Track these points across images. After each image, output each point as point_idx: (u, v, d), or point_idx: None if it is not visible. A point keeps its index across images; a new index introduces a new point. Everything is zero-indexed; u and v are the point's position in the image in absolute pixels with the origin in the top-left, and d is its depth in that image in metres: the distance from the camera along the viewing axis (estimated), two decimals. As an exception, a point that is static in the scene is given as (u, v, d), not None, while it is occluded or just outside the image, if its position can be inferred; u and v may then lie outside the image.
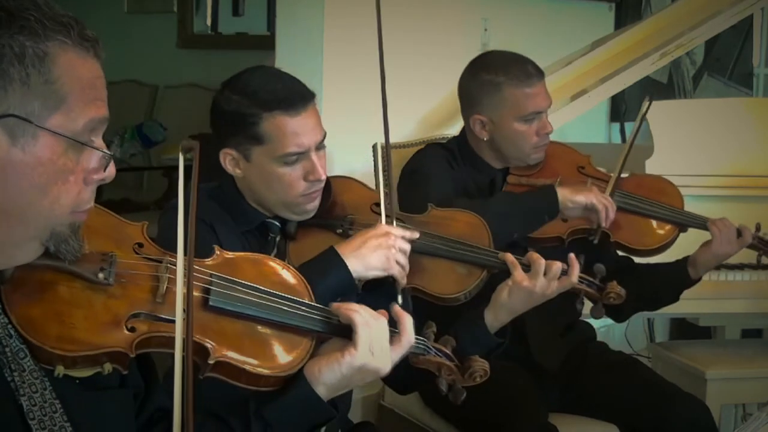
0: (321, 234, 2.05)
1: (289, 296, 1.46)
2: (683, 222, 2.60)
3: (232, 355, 1.36)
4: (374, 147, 2.96)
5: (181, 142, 1.22)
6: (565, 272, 2.08)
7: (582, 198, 2.41)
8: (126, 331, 1.27)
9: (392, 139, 2.99)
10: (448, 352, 1.66)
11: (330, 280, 1.89)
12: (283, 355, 1.42)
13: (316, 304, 1.49)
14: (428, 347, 1.65)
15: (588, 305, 2.25)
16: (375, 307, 1.53)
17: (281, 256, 2.01)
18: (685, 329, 4.07)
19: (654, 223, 2.60)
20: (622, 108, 4.58)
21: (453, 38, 3.58)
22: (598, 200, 2.41)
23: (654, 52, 3.55)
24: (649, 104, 2.71)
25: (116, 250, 1.33)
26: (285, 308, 1.44)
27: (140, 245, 1.37)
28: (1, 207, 1.15)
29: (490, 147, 2.56)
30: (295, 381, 1.42)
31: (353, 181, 2.20)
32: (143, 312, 1.30)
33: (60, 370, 1.21)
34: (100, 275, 1.27)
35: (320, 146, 1.96)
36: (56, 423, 1.20)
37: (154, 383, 1.41)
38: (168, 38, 6.12)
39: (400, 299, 1.97)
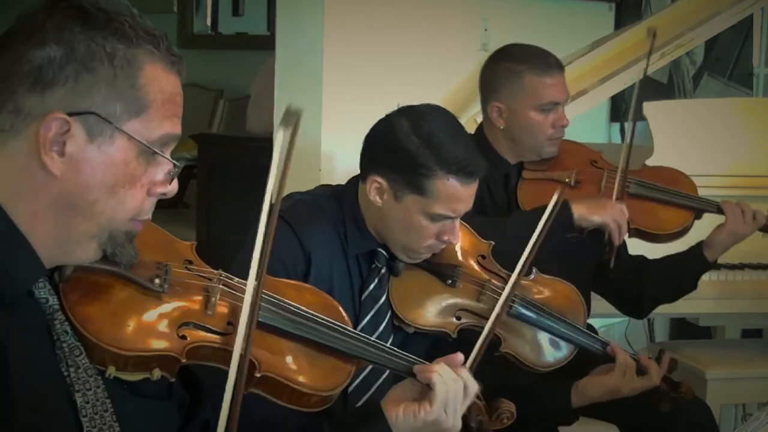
0: (429, 279, 2.05)
1: (332, 321, 1.51)
2: (699, 207, 2.65)
3: (277, 371, 1.41)
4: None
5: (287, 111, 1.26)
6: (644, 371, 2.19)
7: (597, 218, 2.44)
8: (177, 338, 1.31)
9: (392, 139, 3.00)
10: (477, 392, 1.67)
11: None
12: (326, 376, 1.47)
13: (355, 331, 1.55)
14: None
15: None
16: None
17: (381, 288, 2.01)
18: (685, 329, 4.06)
19: (670, 209, 2.64)
20: (622, 108, 4.58)
21: (453, 38, 3.58)
22: (612, 218, 2.44)
23: (654, 52, 3.54)
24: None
25: (169, 263, 1.37)
26: (328, 331, 1.49)
27: (190, 262, 1.41)
28: (70, 200, 1.19)
29: (506, 137, 2.58)
30: (376, 420, 1.50)
31: (466, 228, 2.15)
32: (194, 322, 1.34)
33: (111, 370, 1.24)
34: (156, 281, 1.31)
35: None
36: (105, 422, 1.23)
37: (200, 396, 1.44)
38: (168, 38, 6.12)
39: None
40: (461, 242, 2.10)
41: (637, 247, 2.71)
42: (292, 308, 1.46)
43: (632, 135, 2.61)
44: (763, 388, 2.96)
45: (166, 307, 1.32)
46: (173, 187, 1.27)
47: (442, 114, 1.99)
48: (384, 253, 2.02)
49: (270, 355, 1.41)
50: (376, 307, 2.00)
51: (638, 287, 2.68)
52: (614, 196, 2.52)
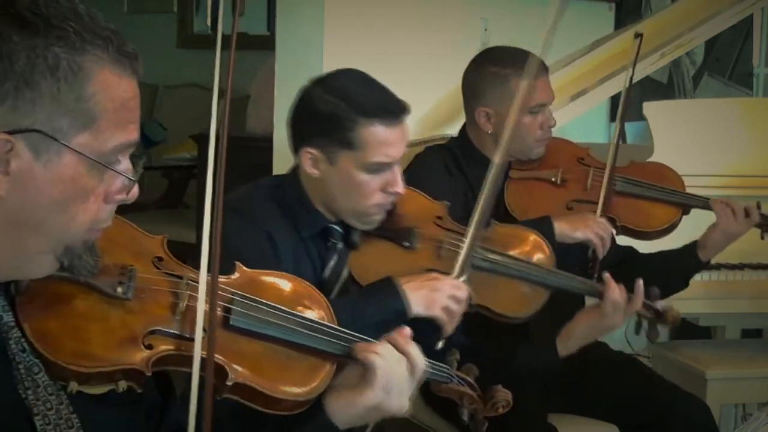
0: (386, 246, 2.05)
1: (312, 318, 1.43)
2: (686, 203, 2.64)
3: (251, 377, 1.32)
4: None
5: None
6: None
7: (579, 234, 2.42)
8: (143, 348, 1.24)
9: (392, 139, 3.00)
10: (470, 380, 1.64)
11: (382, 307, 1.91)
12: (303, 379, 1.38)
13: (338, 328, 1.45)
14: (451, 375, 1.63)
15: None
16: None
17: (342, 263, 2.01)
18: (685, 329, 4.05)
19: (658, 205, 2.64)
20: (622, 108, 4.57)
21: (453, 38, 3.58)
22: (595, 234, 2.43)
23: (654, 52, 3.55)
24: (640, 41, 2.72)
25: (135, 264, 1.29)
26: (307, 330, 1.40)
27: (160, 259, 1.34)
28: (17, 218, 1.13)
29: (494, 140, 2.58)
30: (316, 412, 1.40)
31: (414, 191, 2.18)
32: (161, 329, 1.27)
33: (73, 386, 1.18)
34: (119, 289, 1.24)
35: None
36: None
37: (171, 399, 1.39)
38: (168, 38, 6.11)
39: (440, 345, 1.97)
40: (414, 207, 2.12)
41: (627, 242, 2.70)
42: (266, 309, 1.38)
43: (618, 136, 2.62)
44: (763, 388, 2.96)
45: (131, 315, 1.25)
46: (133, 195, 1.19)
47: (351, 71, 2.01)
48: (338, 229, 2.02)
49: (243, 360, 1.33)
50: (339, 284, 2.01)
51: (627, 282, 2.67)
52: (600, 199, 2.52)
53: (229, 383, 1.30)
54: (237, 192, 2.02)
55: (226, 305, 1.34)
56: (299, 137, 1.99)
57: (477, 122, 2.58)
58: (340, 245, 2.02)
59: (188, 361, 1.25)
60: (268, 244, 1.92)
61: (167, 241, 1.38)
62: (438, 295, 1.96)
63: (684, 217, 2.68)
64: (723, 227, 2.57)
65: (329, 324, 1.45)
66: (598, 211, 2.51)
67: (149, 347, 1.24)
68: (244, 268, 1.46)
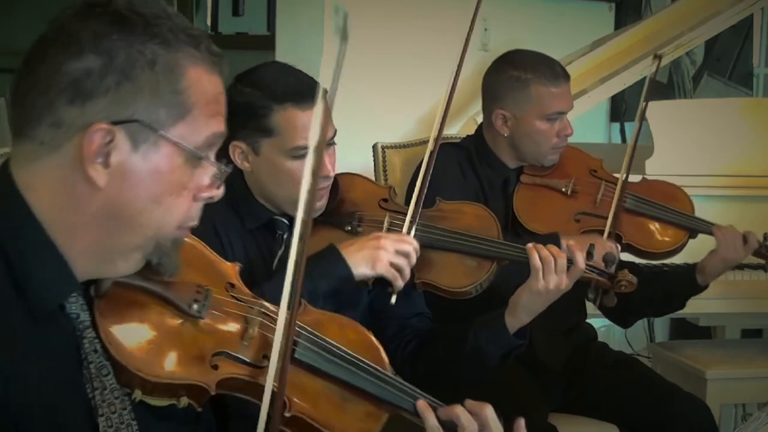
0: (329, 232, 2.06)
1: (370, 363, 1.44)
2: (693, 227, 2.61)
3: (308, 412, 1.34)
4: (374, 147, 2.97)
5: None
6: (570, 262, 2.05)
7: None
8: (209, 368, 1.25)
9: (392, 139, 3.01)
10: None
11: (327, 276, 1.91)
12: (357, 421, 1.39)
13: (396, 377, 1.46)
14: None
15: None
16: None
17: (288, 254, 2.01)
18: (685, 329, 4.06)
19: (665, 226, 2.61)
20: (622, 108, 4.57)
21: (453, 38, 3.57)
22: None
23: (654, 52, 3.55)
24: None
25: (210, 285, 1.32)
26: (365, 375, 1.42)
27: (232, 285, 1.37)
28: (114, 212, 1.15)
29: (509, 144, 2.58)
30: None
31: (359, 177, 2.22)
32: (229, 352, 1.29)
33: (138, 394, 1.20)
34: (195, 306, 1.26)
35: (330, 143, 1.96)
36: None
37: (228, 422, 1.41)
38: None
39: (393, 299, 1.99)
40: (359, 192, 2.14)
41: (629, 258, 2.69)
42: (330, 347, 1.39)
43: (629, 166, 2.58)
44: (763, 388, 2.96)
45: (202, 334, 1.27)
46: (221, 191, 1.23)
47: (272, 62, 2.03)
48: (283, 220, 2.03)
49: (302, 394, 1.34)
50: None
51: (625, 300, 2.63)
52: (609, 218, 2.48)
53: (287, 414, 1.31)
54: None
55: (294, 338, 1.34)
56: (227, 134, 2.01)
57: (494, 124, 2.57)
58: (286, 236, 2.03)
59: (250, 387, 1.28)
60: (215, 237, 1.93)
61: None
62: (381, 253, 1.94)
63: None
64: (722, 254, 2.55)
65: (388, 373, 1.46)
66: (606, 230, 2.47)
67: (215, 368, 1.26)
68: (308, 305, 1.47)
